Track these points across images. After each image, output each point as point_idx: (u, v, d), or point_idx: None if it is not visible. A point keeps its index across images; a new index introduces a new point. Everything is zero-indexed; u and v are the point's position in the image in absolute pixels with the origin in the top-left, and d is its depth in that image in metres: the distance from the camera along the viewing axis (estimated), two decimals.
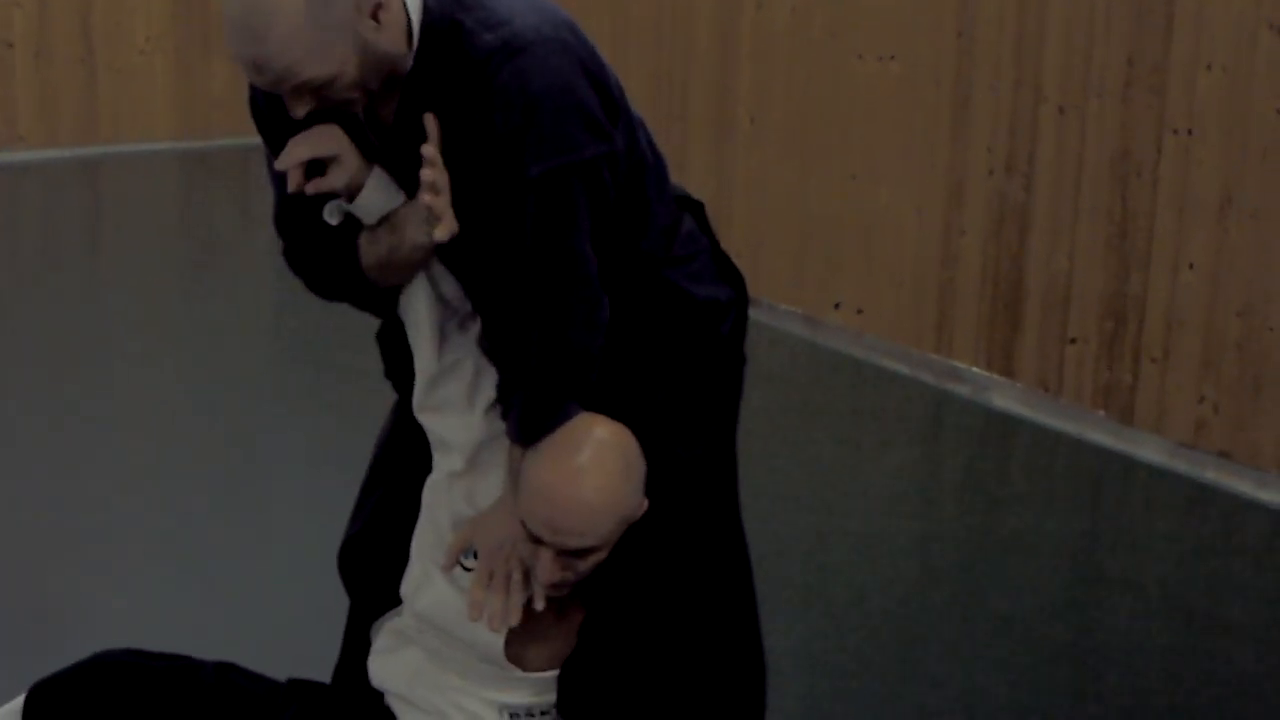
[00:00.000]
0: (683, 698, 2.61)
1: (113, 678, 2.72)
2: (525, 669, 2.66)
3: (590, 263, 2.52)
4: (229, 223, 8.67)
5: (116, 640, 2.86)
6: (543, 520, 2.47)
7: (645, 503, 2.56)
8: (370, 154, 2.56)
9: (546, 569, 2.50)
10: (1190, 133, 5.14)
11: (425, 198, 2.46)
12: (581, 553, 2.50)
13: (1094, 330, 5.51)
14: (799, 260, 6.60)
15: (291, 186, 2.52)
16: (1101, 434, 5.48)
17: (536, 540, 2.51)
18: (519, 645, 2.65)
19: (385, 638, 2.80)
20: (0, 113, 9.26)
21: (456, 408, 2.66)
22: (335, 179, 2.53)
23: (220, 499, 4.85)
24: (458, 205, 2.48)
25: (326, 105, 2.43)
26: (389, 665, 2.77)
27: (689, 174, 6.92)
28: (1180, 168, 5.18)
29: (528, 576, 2.58)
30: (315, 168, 2.54)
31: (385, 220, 2.57)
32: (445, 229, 2.47)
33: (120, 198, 9.17)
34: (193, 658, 2.83)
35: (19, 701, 2.74)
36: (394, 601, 2.83)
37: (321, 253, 2.66)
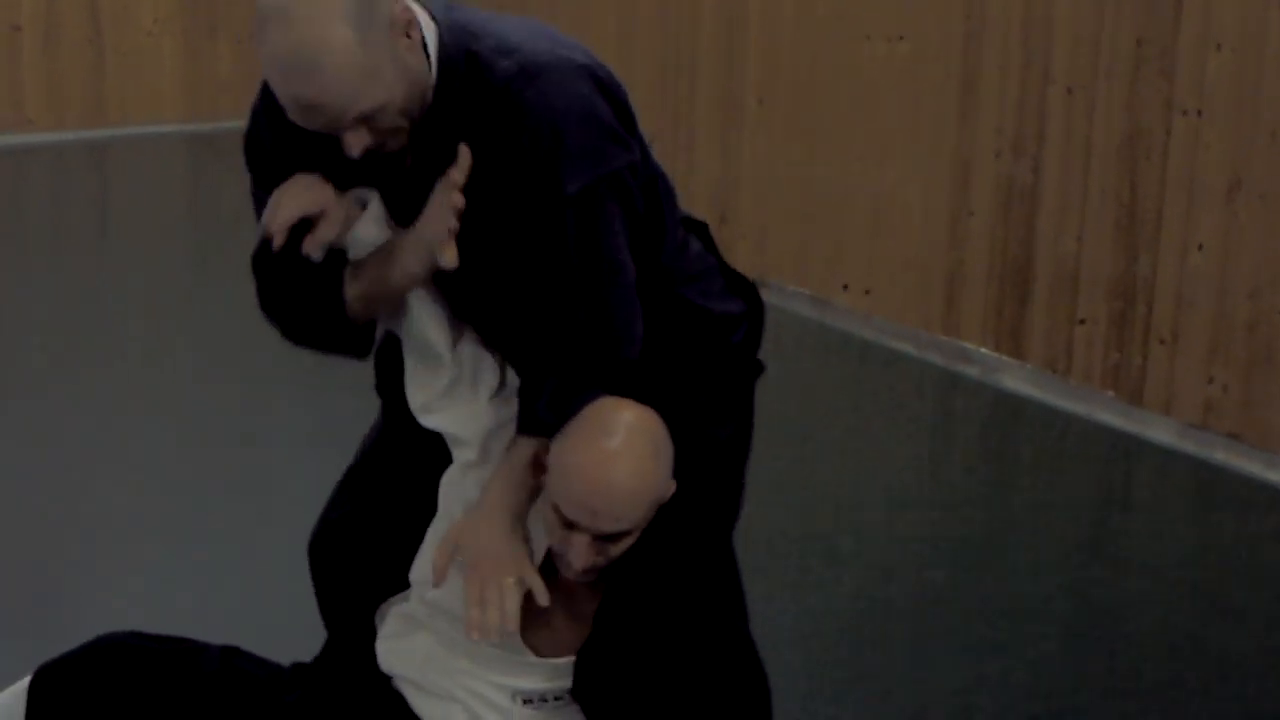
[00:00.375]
0: (698, 682, 2.61)
1: (117, 660, 2.72)
2: (540, 654, 2.66)
3: (630, 271, 2.58)
4: (237, 205, 8.65)
5: (121, 624, 2.86)
6: (580, 505, 2.48)
7: (673, 485, 2.58)
8: (383, 186, 2.60)
9: (581, 555, 2.51)
10: (1199, 114, 5.13)
11: (452, 223, 2.50)
12: (615, 537, 2.52)
13: (1103, 311, 5.50)
14: (807, 241, 6.60)
15: (277, 245, 2.55)
16: (1111, 415, 5.47)
17: (569, 526, 2.52)
18: (533, 631, 2.65)
19: (394, 623, 2.80)
20: (8, 96, 9.26)
21: (464, 400, 2.67)
22: (325, 233, 2.56)
23: (227, 481, 4.85)
24: (480, 227, 2.52)
25: (379, 141, 2.46)
26: (399, 650, 2.77)
27: (697, 155, 6.92)
28: (1189, 149, 5.17)
29: (520, 579, 2.58)
30: (301, 222, 2.57)
31: (374, 252, 2.61)
32: (453, 255, 2.51)
33: (128, 180, 9.18)
34: (197, 641, 2.83)
35: (24, 683, 2.75)
36: (369, 589, 2.83)
37: (301, 290, 2.67)
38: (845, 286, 6.44)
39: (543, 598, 2.58)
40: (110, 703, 2.69)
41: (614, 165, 2.54)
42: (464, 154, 2.50)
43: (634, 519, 2.51)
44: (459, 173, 2.50)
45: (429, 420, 2.70)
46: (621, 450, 2.50)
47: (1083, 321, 5.57)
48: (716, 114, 6.96)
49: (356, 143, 2.44)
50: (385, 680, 2.79)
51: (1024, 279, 5.75)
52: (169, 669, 2.72)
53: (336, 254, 2.64)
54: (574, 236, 2.52)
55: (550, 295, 2.56)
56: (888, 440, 5.46)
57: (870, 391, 5.95)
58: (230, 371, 5.75)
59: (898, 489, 5.03)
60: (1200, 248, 5.18)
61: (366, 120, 2.42)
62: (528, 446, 2.62)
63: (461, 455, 2.69)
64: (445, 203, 2.51)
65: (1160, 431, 5.34)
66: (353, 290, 2.64)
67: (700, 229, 2.85)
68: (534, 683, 2.68)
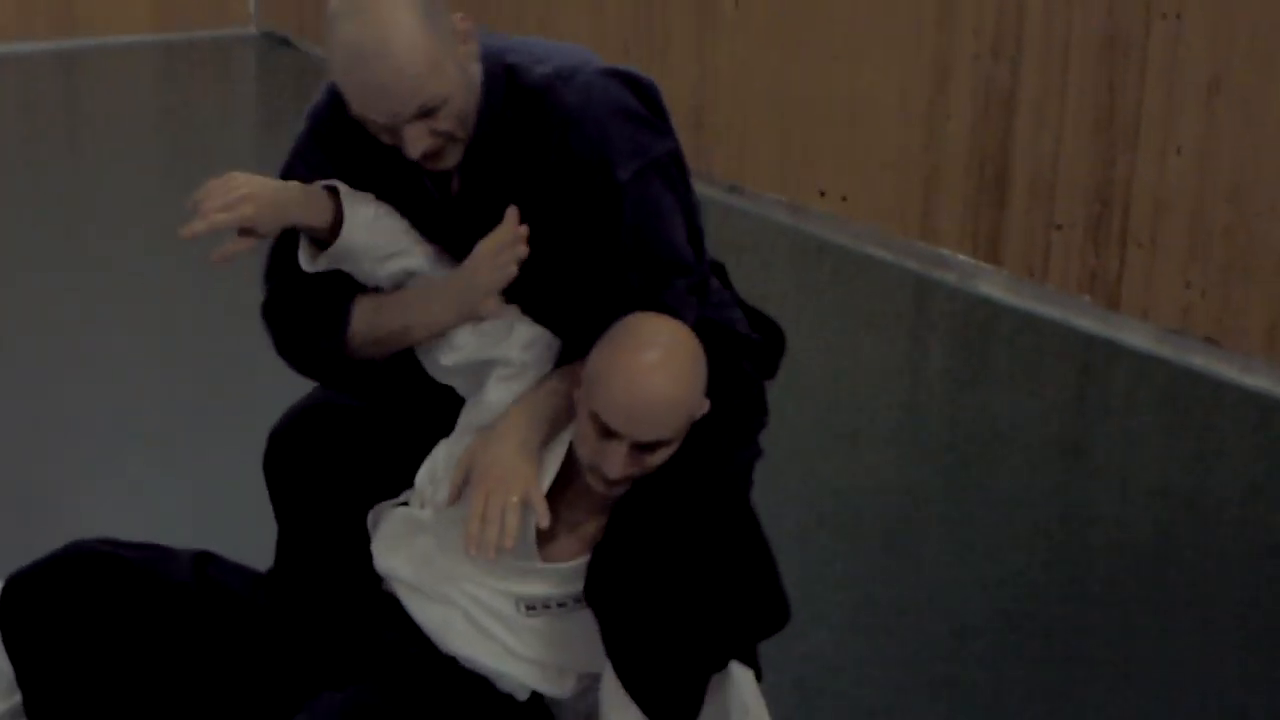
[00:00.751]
0: (713, 586, 2.61)
1: (87, 569, 2.70)
2: (550, 560, 2.67)
3: (686, 251, 2.70)
4: (208, 115, 8.61)
5: (93, 532, 2.84)
6: (621, 411, 2.51)
7: (707, 403, 2.61)
8: (430, 209, 2.71)
9: (618, 463, 2.53)
10: (1179, 16, 5.09)
11: (510, 271, 2.64)
12: (652, 447, 2.54)
13: (1080, 215, 5.49)
14: (783, 146, 6.56)
15: (187, 233, 2.66)
16: (1088, 320, 5.47)
17: (607, 435, 2.53)
18: (541, 537, 2.65)
19: (393, 524, 2.79)
20: None
21: (491, 330, 2.72)
22: (239, 248, 2.69)
23: (200, 388, 4.84)
24: (534, 235, 2.64)
25: (437, 147, 2.58)
26: (397, 552, 2.76)
27: (672, 60, 6.87)
28: (1168, 50, 5.14)
29: (525, 498, 2.60)
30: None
31: (392, 298, 2.70)
32: (496, 304, 2.67)
33: (98, 91, 9.11)
34: (168, 548, 2.82)
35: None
36: (348, 485, 2.84)
37: (304, 309, 2.75)
38: (822, 192, 6.42)
39: (544, 519, 2.59)
40: (81, 612, 2.68)
41: (659, 152, 2.66)
42: (511, 215, 2.63)
43: (672, 427, 2.55)
44: (516, 222, 2.63)
45: (454, 357, 2.73)
46: (662, 359, 2.55)
47: (1060, 226, 5.56)
48: (692, 18, 6.91)
49: (417, 139, 2.54)
50: (375, 581, 2.79)
51: (1001, 183, 5.73)
52: (140, 577, 2.71)
53: (343, 280, 2.73)
54: (630, 222, 2.63)
55: (608, 282, 2.64)
56: (864, 346, 5.45)
57: (846, 298, 5.95)
58: (202, 279, 5.72)
59: (874, 395, 5.03)
60: (1179, 150, 5.16)
61: (428, 114, 2.53)
62: (560, 380, 2.68)
63: (499, 372, 2.71)
64: (499, 254, 2.63)
65: (1137, 336, 5.34)
66: (361, 326, 2.72)
67: (718, 269, 2.93)
68: (539, 589, 2.68)
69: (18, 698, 2.73)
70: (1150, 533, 4.16)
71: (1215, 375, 5.10)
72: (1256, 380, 5.01)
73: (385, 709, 2.59)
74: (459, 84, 2.56)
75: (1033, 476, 4.46)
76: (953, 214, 5.91)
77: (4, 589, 2.72)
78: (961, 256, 5.89)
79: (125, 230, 6.39)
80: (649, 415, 2.52)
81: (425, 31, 2.51)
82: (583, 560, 2.65)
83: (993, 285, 5.77)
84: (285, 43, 9.52)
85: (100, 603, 2.68)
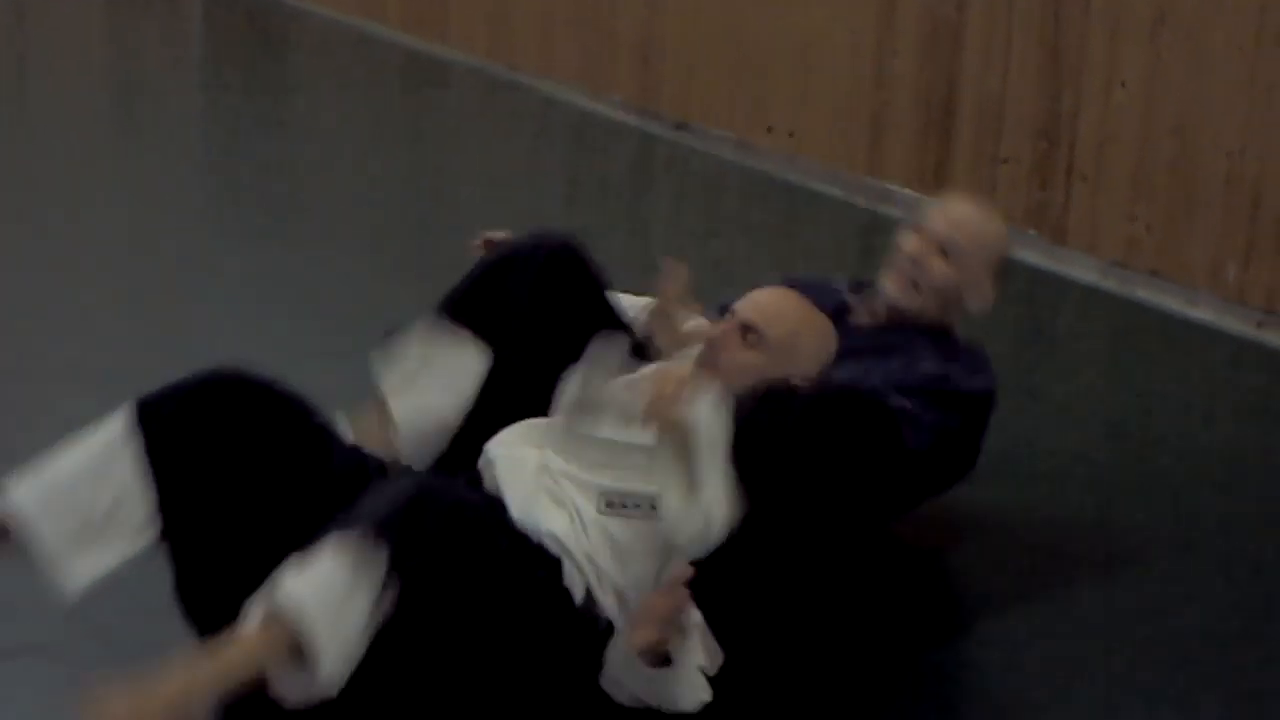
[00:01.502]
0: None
1: (231, 391, 2.85)
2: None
3: (914, 452, 3.25)
4: (158, 57, 8.55)
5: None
6: (748, 297, 3.09)
7: (807, 384, 3.01)
8: (847, 325, 3.38)
9: (718, 329, 3.06)
10: None
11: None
12: (749, 338, 3.02)
13: (1026, 150, 5.51)
14: (731, 83, 6.56)
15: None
16: (1033, 254, 5.50)
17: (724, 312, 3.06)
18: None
19: (510, 432, 3.05)
20: None
21: None
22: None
23: (155, 331, 4.83)
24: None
25: (918, 274, 3.44)
26: (506, 446, 3.01)
27: None
28: None
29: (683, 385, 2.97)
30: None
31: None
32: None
33: (48, 31, 9.03)
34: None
35: (127, 416, 2.83)
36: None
37: None
38: (770, 129, 6.43)
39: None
40: (241, 425, 2.83)
41: (986, 414, 3.50)
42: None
43: (771, 331, 3.03)
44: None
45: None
46: (804, 302, 3.12)
47: (1006, 160, 5.59)
48: None
49: (921, 251, 3.44)
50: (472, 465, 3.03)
51: (948, 118, 5.75)
52: (283, 404, 2.89)
53: None
54: (951, 421, 3.34)
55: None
56: None
57: (795, 234, 5.96)
58: (155, 221, 5.70)
59: None
60: (1123, 85, 5.18)
61: (945, 253, 3.42)
62: None
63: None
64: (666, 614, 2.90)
65: (1083, 269, 5.38)
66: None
67: None
68: (624, 478, 2.89)
69: (153, 531, 2.78)
70: (1096, 463, 4.20)
71: (1160, 307, 5.14)
72: (1200, 312, 5.06)
73: (461, 499, 2.72)
74: (971, 281, 3.44)
75: None
76: (900, 149, 5.94)
77: (139, 409, 2.83)
78: (909, 191, 5.91)
79: (77, 172, 6.35)
80: (763, 303, 3.07)
81: (995, 245, 3.47)
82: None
83: None
84: None
85: (254, 419, 2.84)
